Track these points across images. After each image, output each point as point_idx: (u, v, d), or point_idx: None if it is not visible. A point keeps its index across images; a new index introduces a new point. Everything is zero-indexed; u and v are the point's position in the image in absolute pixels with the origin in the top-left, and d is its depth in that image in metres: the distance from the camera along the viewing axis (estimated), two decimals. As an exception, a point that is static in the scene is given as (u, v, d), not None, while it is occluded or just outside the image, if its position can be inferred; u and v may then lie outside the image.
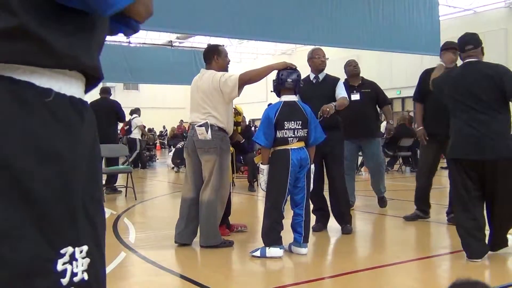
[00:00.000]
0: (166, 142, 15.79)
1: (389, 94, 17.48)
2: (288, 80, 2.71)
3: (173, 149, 9.25)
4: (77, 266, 0.56)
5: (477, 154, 2.40)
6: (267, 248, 2.64)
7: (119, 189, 5.73)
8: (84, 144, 0.60)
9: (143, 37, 14.00)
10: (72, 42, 0.59)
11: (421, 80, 3.55)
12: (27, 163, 0.52)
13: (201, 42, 14.69)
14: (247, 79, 2.82)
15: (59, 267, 0.55)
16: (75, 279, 0.56)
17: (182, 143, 8.58)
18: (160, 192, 6.25)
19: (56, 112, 0.56)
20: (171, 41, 14.31)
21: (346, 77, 4.14)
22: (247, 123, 7.29)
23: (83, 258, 0.57)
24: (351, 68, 4.10)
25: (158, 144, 14.75)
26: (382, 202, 4.15)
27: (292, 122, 2.68)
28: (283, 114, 2.66)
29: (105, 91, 5.99)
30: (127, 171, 5.47)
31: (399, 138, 7.76)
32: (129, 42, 13.01)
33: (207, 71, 2.96)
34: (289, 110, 2.69)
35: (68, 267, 0.55)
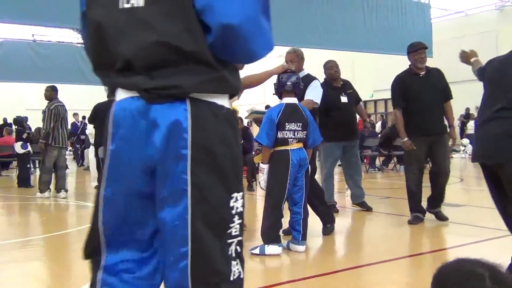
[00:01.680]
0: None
1: (383, 95, 17.55)
2: (287, 83, 2.79)
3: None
4: (238, 203, 0.97)
5: (491, 158, 2.10)
6: (266, 246, 2.70)
7: None
8: (238, 134, 1.01)
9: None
10: (237, 79, 0.99)
11: (399, 86, 3.47)
12: (219, 148, 0.94)
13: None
14: (247, 84, 2.87)
15: (231, 204, 0.96)
16: (237, 210, 0.97)
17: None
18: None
19: (227, 118, 0.97)
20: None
21: (326, 78, 4.07)
22: (246, 124, 7.35)
23: (241, 199, 0.98)
24: (332, 72, 3.99)
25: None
26: (366, 205, 4.06)
27: (293, 123, 2.76)
28: (284, 115, 2.75)
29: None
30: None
31: (394, 137, 7.89)
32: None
33: None
34: (290, 112, 2.77)
35: (235, 204, 0.97)
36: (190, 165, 0.91)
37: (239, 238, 0.97)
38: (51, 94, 5.56)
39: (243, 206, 0.98)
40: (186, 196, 0.91)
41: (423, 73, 3.46)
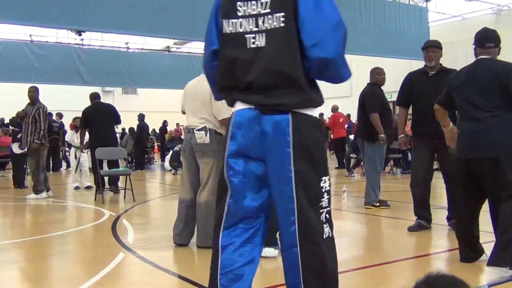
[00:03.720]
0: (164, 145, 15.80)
1: (381, 98, 17.15)
2: None
3: (171, 152, 9.31)
4: (326, 184, 1.36)
5: (476, 152, 2.31)
6: (264, 248, 2.71)
7: (118, 189, 5.79)
8: (323, 135, 1.42)
9: (141, 42, 14.03)
10: (320, 96, 1.38)
11: (405, 83, 3.43)
12: (312, 145, 1.34)
13: (197, 47, 14.74)
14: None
15: (321, 184, 1.35)
16: (326, 189, 1.36)
17: (180, 145, 8.65)
18: (158, 194, 6.30)
19: (316, 124, 1.38)
20: (169, 46, 14.37)
21: (370, 82, 4.45)
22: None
23: (328, 181, 1.37)
24: (381, 78, 4.45)
25: (156, 147, 14.75)
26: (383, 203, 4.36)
27: None
28: None
29: (96, 97, 6.05)
30: (126, 173, 5.53)
31: (391, 140, 7.89)
32: (128, 48, 13.03)
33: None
34: None
35: (324, 184, 1.36)
36: (293, 159, 1.30)
37: (328, 208, 1.37)
38: (36, 95, 5.54)
39: (330, 186, 1.38)
40: (291, 181, 1.31)
41: (432, 72, 3.32)
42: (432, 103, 3.17)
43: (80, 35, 11.20)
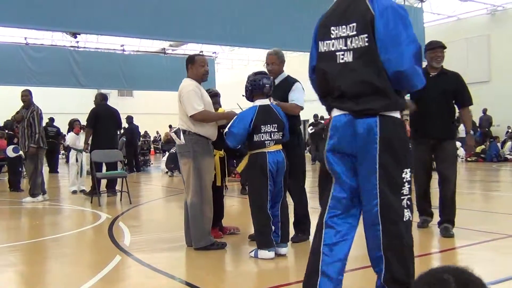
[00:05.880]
0: (160, 147, 15.81)
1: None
2: (266, 85, 2.75)
3: (167, 154, 9.29)
4: (407, 175, 1.63)
5: None
6: (259, 250, 2.71)
7: (115, 191, 5.77)
8: (405, 133, 1.68)
9: (137, 44, 14.01)
10: (403, 100, 1.67)
11: None
12: (395, 142, 1.64)
13: (193, 49, 14.75)
14: (200, 118, 2.86)
15: (403, 175, 1.63)
16: (406, 179, 1.63)
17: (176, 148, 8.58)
18: (154, 196, 6.28)
19: (400, 124, 1.65)
20: (164, 48, 14.38)
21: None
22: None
23: (409, 172, 1.64)
24: None
25: (152, 149, 14.70)
26: None
27: (268, 125, 2.71)
28: (259, 118, 2.70)
29: (105, 98, 6.03)
30: (122, 176, 5.50)
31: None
32: (123, 50, 13.02)
33: (183, 81, 3.02)
34: (265, 114, 2.72)
35: (405, 176, 1.64)
36: (378, 152, 1.59)
37: (408, 196, 1.63)
38: (30, 98, 5.51)
39: (410, 177, 1.63)
40: (376, 171, 1.60)
41: (434, 74, 3.27)
42: (430, 104, 3.17)
43: (75, 37, 11.18)
